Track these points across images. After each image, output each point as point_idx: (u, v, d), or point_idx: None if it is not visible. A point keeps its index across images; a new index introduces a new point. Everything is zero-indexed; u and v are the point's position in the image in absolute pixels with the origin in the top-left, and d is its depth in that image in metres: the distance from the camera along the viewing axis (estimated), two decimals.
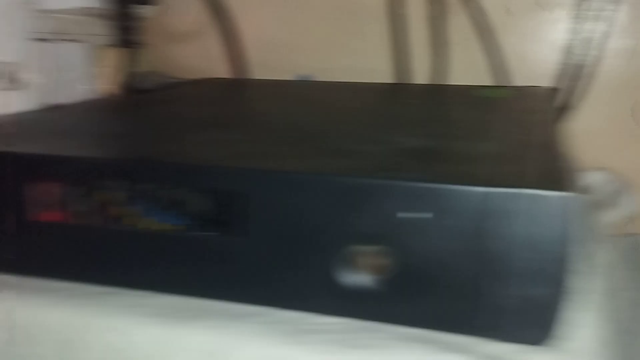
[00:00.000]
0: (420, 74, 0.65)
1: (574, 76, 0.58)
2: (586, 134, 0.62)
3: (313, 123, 0.34)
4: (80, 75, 0.54)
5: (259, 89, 0.53)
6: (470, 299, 0.22)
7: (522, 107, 0.39)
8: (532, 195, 0.21)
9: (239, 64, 0.66)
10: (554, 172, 0.23)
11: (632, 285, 0.47)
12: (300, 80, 0.62)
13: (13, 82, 0.43)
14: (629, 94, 0.59)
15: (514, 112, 0.36)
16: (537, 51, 0.60)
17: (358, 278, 0.23)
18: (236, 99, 0.44)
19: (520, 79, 0.60)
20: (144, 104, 0.42)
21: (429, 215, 0.21)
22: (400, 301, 0.23)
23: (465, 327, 0.23)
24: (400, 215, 0.22)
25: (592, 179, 0.59)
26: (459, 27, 0.62)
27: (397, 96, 0.46)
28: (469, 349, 0.22)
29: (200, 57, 0.73)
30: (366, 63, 0.67)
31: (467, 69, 0.63)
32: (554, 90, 0.49)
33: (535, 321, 0.22)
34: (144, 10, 0.63)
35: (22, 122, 0.34)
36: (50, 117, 0.36)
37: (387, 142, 0.28)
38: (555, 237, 0.21)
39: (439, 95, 0.48)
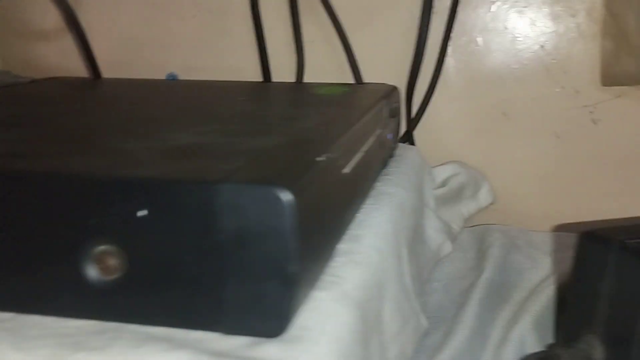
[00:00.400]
0: (285, 72, 0.65)
1: (414, 73, 0.60)
2: (442, 128, 0.64)
3: (103, 122, 0.33)
4: None
5: (98, 88, 0.51)
6: (203, 294, 0.22)
7: (343, 104, 0.40)
8: (255, 189, 0.21)
9: (93, 63, 0.64)
10: (289, 167, 0.23)
11: (471, 273, 0.49)
12: (152, 80, 0.60)
13: None
14: (478, 88, 0.61)
15: (326, 109, 0.37)
16: (390, 49, 0.62)
17: (96, 278, 0.22)
18: (57, 99, 0.42)
19: (373, 77, 0.61)
20: None
21: (145, 212, 0.21)
22: (138, 300, 0.22)
23: (203, 323, 0.22)
24: (130, 212, 0.21)
25: (448, 171, 0.61)
26: (316, 25, 0.62)
27: (228, 94, 0.45)
28: (203, 345, 0.22)
29: (60, 57, 0.70)
30: (233, 62, 0.67)
31: (324, 67, 0.63)
32: (393, 88, 0.50)
33: (268, 314, 0.22)
34: None
35: None
36: None
37: (160, 139, 0.27)
38: (280, 231, 0.21)
39: (275, 93, 0.48)
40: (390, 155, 0.46)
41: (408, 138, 0.62)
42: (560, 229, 0.61)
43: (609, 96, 0.58)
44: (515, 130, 0.61)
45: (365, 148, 0.34)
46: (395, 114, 0.47)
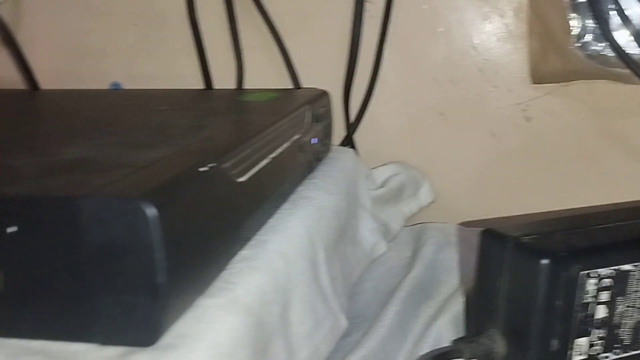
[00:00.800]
0: (228, 78, 0.65)
1: (349, 76, 0.61)
2: (382, 130, 0.65)
3: (1, 137, 0.33)
4: None
5: (23, 101, 0.51)
6: (77, 307, 0.22)
7: (259, 111, 0.40)
8: (119, 203, 0.21)
9: (30, 75, 0.64)
10: (162, 180, 0.24)
11: (403, 272, 0.50)
12: (91, 90, 0.61)
13: None
14: (415, 90, 0.62)
15: (239, 117, 0.37)
16: (327, 53, 0.63)
17: None
18: None
19: (313, 81, 0.62)
20: None
21: (14, 228, 0.22)
22: (14, 314, 0.23)
23: (79, 335, 0.23)
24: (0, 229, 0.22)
25: (388, 172, 0.62)
26: (255, 31, 0.63)
27: (152, 104, 0.46)
28: (78, 357, 0.22)
29: (3, 69, 0.70)
30: (175, 69, 0.67)
31: (265, 72, 0.64)
32: (321, 93, 0.51)
33: (140, 324, 0.22)
34: None
35: None
36: None
37: (51, 153, 0.28)
38: (145, 243, 0.21)
39: (202, 100, 0.49)
40: (318, 159, 0.47)
41: (349, 142, 0.63)
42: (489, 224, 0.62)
43: (540, 94, 0.60)
44: (453, 129, 0.63)
45: (274, 155, 0.35)
46: (321, 118, 0.47)
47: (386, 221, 0.59)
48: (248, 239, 0.32)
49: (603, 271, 0.32)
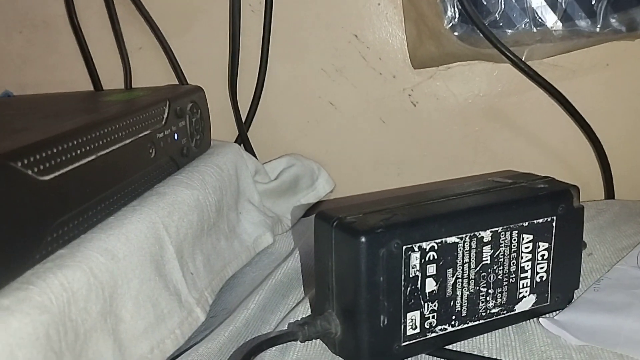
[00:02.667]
0: (118, 80, 0.65)
1: (234, 73, 0.61)
2: (276, 124, 0.65)
3: None
4: None
5: None
6: None
7: (104, 111, 0.40)
8: None
9: None
10: None
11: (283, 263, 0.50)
12: None
13: None
14: (304, 82, 0.63)
15: (77, 117, 0.37)
16: (213, 51, 0.62)
17: None
18: None
19: (200, 79, 0.62)
20: None
21: None
22: None
23: None
24: None
25: (282, 165, 0.62)
26: (142, 32, 0.63)
27: (9, 110, 0.45)
28: None
29: None
30: (64, 75, 0.66)
31: (154, 72, 0.64)
32: (191, 89, 0.51)
33: None
34: None
35: None
36: None
37: None
38: None
39: (63, 102, 0.48)
40: (184, 155, 0.47)
41: (243, 139, 0.63)
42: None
43: (423, 78, 0.61)
44: (344, 118, 0.63)
45: (102, 152, 0.35)
46: (184, 114, 0.47)
47: (279, 214, 0.59)
48: (71, 238, 0.32)
49: (425, 244, 0.33)
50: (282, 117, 0.64)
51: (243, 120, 0.63)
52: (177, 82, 0.63)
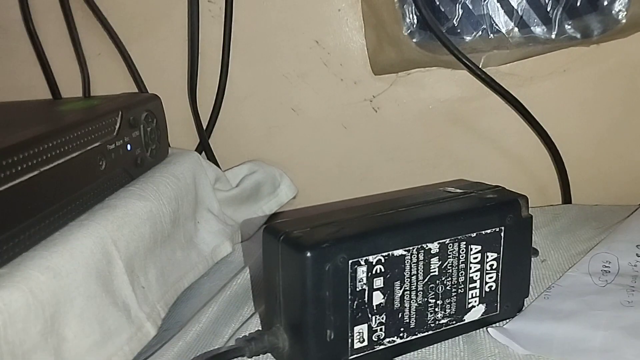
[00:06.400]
0: (76, 87, 0.64)
1: (193, 80, 0.61)
2: (238, 130, 0.65)
3: None
4: None
5: None
6: None
7: (51, 120, 0.39)
8: None
9: None
10: None
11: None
12: None
13: None
14: (265, 88, 0.62)
15: (23, 127, 0.36)
16: (172, 57, 0.62)
17: None
18: None
19: (160, 86, 0.61)
20: None
21: None
22: None
23: None
24: None
25: (243, 172, 0.62)
26: (100, 38, 0.62)
27: None
28: None
29: None
30: (22, 81, 0.65)
31: (114, 79, 0.63)
32: (147, 98, 0.50)
33: None
34: None
35: None
36: None
37: None
38: None
39: (17, 111, 0.47)
40: (138, 166, 0.46)
41: (204, 146, 0.63)
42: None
43: (385, 84, 0.61)
44: (306, 124, 0.63)
45: (45, 167, 0.34)
46: (139, 123, 0.46)
47: (240, 221, 0.59)
48: (11, 257, 0.31)
49: (372, 258, 0.33)
50: (244, 123, 0.64)
51: (204, 127, 0.63)
52: (136, 89, 0.62)
